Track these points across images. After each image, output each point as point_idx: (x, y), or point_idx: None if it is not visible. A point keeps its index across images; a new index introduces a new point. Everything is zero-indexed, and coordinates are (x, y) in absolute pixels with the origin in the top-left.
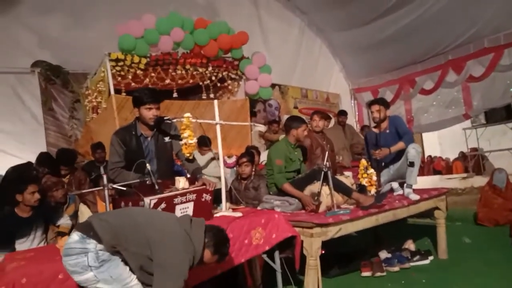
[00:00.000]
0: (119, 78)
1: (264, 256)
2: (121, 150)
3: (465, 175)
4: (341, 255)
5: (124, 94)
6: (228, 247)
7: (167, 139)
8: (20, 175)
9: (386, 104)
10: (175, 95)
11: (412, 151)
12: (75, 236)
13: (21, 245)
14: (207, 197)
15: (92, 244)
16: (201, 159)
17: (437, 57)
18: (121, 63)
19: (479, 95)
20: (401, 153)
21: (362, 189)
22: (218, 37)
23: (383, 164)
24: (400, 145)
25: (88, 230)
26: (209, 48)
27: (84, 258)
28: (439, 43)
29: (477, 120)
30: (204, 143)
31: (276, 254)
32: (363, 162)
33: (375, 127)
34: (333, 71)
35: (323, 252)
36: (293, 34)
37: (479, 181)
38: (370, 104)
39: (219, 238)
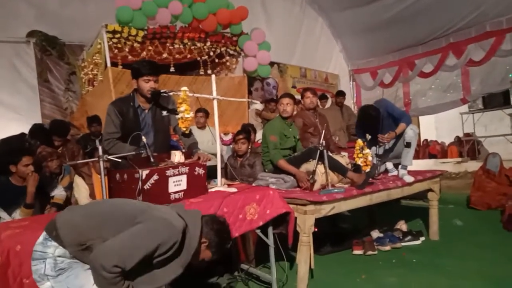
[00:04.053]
0: (116, 51)
1: (258, 231)
2: (118, 121)
3: (459, 159)
4: (333, 234)
5: (121, 67)
6: (229, 243)
7: (165, 113)
8: (13, 146)
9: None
10: (172, 69)
11: (410, 132)
12: (41, 236)
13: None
14: (200, 170)
15: (51, 248)
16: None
17: (438, 39)
18: (118, 35)
19: (478, 79)
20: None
21: (357, 168)
22: (217, 11)
23: (386, 146)
24: (402, 126)
25: (51, 229)
26: (207, 23)
27: (41, 265)
28: (441, 25)
29: (475, 105)
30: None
31: (270, 230)
32: (359, 142)
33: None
34: (333, 51)
35: (315, 230)
36: (294, 11)
37: (474, 166)
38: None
39: (220, 235)
